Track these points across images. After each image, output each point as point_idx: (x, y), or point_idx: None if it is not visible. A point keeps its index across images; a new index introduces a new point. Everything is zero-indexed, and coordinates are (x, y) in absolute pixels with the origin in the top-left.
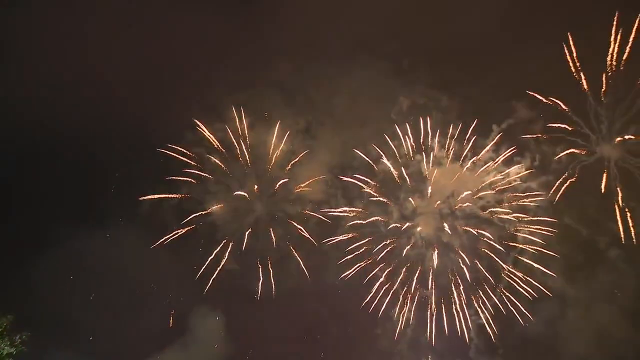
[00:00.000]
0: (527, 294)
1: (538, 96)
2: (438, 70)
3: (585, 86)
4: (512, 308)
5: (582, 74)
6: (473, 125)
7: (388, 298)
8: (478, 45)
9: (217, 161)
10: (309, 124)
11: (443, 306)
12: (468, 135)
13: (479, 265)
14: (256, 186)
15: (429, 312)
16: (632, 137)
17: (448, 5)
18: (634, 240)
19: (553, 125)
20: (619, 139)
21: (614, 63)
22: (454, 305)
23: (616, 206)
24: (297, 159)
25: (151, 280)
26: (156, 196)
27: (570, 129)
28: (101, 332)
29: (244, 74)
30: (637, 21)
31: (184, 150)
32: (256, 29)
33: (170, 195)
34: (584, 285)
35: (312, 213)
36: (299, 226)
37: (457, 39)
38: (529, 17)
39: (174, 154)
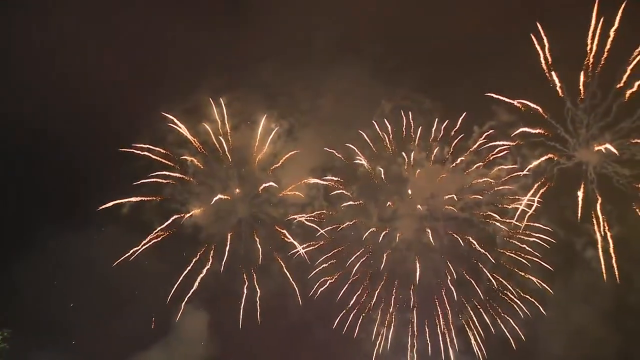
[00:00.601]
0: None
1: (506, 99)
2: (421, 72)
3: (559, 88)
4: (504, 329)
5: (554, 74)
6: (457, 126)
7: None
8: (462, 46)
9: (199, 163)
10: (292, 126)
11: (427, 328)
12: (450, 137)
13: (467, 277)
14: (237, 190)
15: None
16: (610, 148)
17: (432, 7)
18: (610, 244)
19: (529, 130)
20: (597, 148)
21: (592, 59)
22: (438, 326)
23: (594, 212)
24: (279, 163)
25: (134, 281)
26: (138, 198)
27: (546, 133)
28: (85, 333)
29: (227, 76)
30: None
31: (166, 152)
32: (239, 30)
33: (149, 198)
34: (561, 286)
35: (294, 216)
36: (282, 230)
37: (441, 40)
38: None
39: (156, 156)
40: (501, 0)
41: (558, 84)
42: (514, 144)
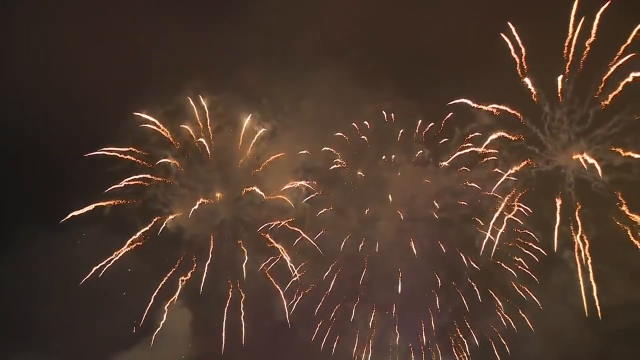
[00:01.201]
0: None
1: (480, 107)
2: (403, 74)
3: (534, 94)
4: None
5: (528, 79)
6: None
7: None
8: (443, 49)
9: (181, 165)
10: (275, 128)
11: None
12: (431, 140)
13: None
14: (219, 193)
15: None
16: (587, 158)
17: (413, 9)
18: (586, 248)
19: (508, 136)
20: (575, 156)
21: (571, 59)
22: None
23: (572, 217)
24: (260, 168)
25: (116, 282)
26: (111, 201)
27: (523, 138)
28: (66, 334)
29: (209, 77)
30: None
31: (148, 154)
32: (222, 32)
33: (130, 200)
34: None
35: (276, 222)
36: (265, 235)
37: (422, 43)
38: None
39: (137, 158)
40: (482, 3)
41: (532, 90)
42: (494, 151)
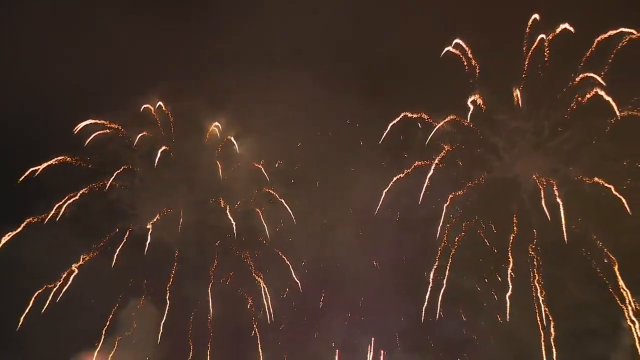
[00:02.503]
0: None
1: (428, 120)
2: (367, 82)
3: (480, 105)
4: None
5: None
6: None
7: None
8: (408, 55)
9: (147, 169)
10: (240, 133)
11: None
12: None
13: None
14: (185, 197)
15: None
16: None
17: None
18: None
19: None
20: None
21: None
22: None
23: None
24: (224, 175)
25: (83, 283)
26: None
27: (479, 150)
28: (32, 334)
29: (175, 82)
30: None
31: (111, 157)
32: (190, 37)
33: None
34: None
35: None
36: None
37: (387, 50)
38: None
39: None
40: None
41: (479, 102)
42: (451, 149)
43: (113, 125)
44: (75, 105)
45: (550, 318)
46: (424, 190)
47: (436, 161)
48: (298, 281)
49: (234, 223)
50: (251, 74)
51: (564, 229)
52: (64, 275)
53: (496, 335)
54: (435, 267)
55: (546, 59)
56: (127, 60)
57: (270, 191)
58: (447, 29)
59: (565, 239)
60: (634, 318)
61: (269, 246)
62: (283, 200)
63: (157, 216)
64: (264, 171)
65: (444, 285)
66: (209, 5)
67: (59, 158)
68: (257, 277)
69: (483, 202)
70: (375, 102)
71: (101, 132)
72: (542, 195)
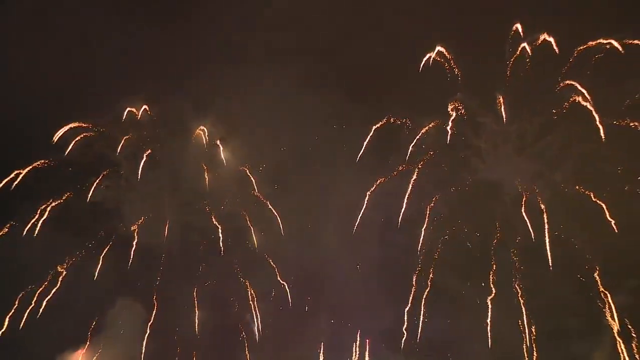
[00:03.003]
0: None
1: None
2: (352, 83)
3: (460, 111)
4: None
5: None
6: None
7: None
8: (394, 58)
9: (131, 171)
10: (224, 136)
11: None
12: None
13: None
14: (169, 198)
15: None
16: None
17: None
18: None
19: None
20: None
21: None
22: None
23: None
24: (208, 177)
25: (68, 282)
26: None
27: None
28: (21, 335)
29: (158, 83)
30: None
31: (95, 159)
32: (170, 37)
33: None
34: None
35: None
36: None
37: (375, 53)
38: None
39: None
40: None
41: (461, 106)
42: (433, 153)
43: (97, 129)
44: (58, 108)
45: (532, 319)
46: (408, 193)
47: (420, 165)
48: (284, 283)
49: (219, 227)
50: (235, 76)
51: (547, 233)
52: (49, 278)
53: (479, 336)
54: (418, 269)
55: (528, 67)
56: (110, 63)
57: (256, 194)
58: (430, 36)
59: (547, 243)
60: (613, 320)
61: (255, 249)
62: (268, 202)
63: (143, 218)
64: (248, 173)
65: (428, 287)
66: (191, 6)
67: (42, 161)
68: (243, 280)
69: (466, 205)
70: (360, 106)
71: (85, 134)
72: (524, 200)
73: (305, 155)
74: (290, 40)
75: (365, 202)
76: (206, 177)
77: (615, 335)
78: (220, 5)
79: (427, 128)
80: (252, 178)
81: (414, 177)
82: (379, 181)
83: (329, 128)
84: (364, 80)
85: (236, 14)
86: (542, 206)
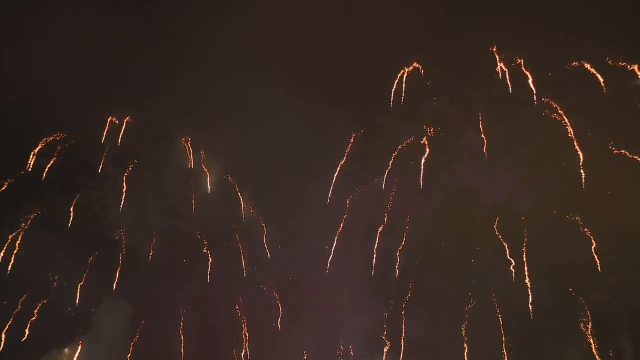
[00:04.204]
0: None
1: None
2: (335, 88)
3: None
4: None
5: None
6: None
7: None
8: (374, 66)
9: (114, 179)
10: (208, 144)
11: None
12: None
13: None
14: (156, 213)
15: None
16: None
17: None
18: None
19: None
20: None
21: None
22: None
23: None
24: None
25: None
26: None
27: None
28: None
29: (137, 91)
30: None
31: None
32: (150, 42)
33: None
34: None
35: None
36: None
37: (356, 61)
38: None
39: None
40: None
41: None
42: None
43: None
44: (35, 117)
45: (505, 322)
46: (390, 197)
47: (400, 171)
48: (267, 287)
49: (201, 235)
50: (218, 83)
51: (525, 237)
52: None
53: (459, 336)
54: (397, 271)
55: (508, 83)
56: (92, 71)
57: (239, 198)
58: (406, 52)
59: (524, 248)
60: (588, 323)
61: (238, 252)
62: (251, 208)
63: (129, 223)
64: (230, 179)
65: (409, 289)
66: (169, 12)
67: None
68: (227, 283)
69: (447, 210)
70: (342, 112)
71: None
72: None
73: (286, 161)
74: (273, 47)
75: (347, 205)
76: (192, 187)
77: (590, 335)
78: (201, 11)
79: (408, 140)
80: (236, 184)
81: (395, 181)
82: (360, 187)
83: (311, 134)
84: (346, 86)
85: (218, 22)
86: (520, 212)
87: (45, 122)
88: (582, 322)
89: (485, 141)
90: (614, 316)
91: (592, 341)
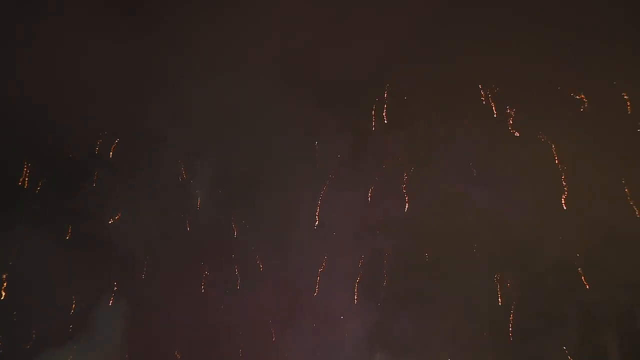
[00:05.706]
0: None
1: None
2: (326, 93)
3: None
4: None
5: None
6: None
7: None
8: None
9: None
10: (201, 149)
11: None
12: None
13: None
14: (148, 213)
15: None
16: None
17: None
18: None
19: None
20: None
21: None
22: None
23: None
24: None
25: (48, 280)
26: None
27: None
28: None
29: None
30: None
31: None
32: (140, 49)
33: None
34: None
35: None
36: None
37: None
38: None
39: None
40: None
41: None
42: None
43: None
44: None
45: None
46: (377, 200)
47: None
48: (259, 296)
49: (195, 238)
50: (205, 87)
51: (511, 239)
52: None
53: (443, 336)
54: (385, 272)
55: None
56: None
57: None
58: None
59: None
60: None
61: (231, 258)
62: (242, 214)
63: (120, 217)
64: (220, 191)
65: (395, 290)
66: (159, 18)
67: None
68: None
69: (430, 215)
70: (332, 117)
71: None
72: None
73: (276, 166)
74: (262, 50)
75: (335, 209)
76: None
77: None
78: (191, 18)
79: (397, 146)
80: (227, 188)
81: (381, 185)
82: (349, 191)
83: (299, 138)
84: (335, 91)
85: (207, 25)
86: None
87: (38, 128)
88: (568, 322)
89: (472, 150)
90: (600, 316)
91: (577, 341)
